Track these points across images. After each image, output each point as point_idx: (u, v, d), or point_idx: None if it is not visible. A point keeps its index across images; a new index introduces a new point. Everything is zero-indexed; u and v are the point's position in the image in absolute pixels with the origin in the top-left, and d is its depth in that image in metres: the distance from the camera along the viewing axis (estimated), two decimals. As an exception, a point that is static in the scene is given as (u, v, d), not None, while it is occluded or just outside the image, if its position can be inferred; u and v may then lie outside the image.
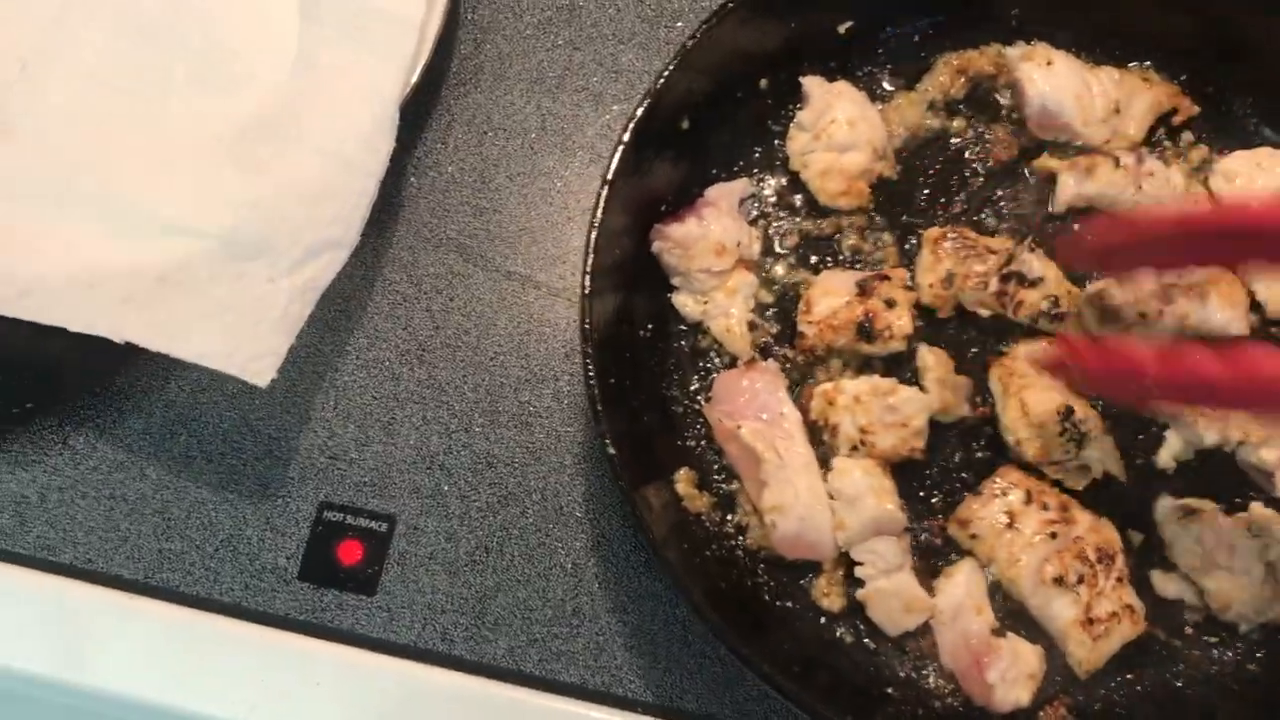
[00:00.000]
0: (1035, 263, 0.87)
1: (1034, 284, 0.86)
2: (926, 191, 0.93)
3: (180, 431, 0.91)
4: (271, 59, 0.94)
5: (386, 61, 0.93)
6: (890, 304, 0.87)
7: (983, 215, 0.92)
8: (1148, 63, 0.95)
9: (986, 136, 0.94)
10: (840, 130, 0.91)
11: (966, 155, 0.94)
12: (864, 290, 0.87)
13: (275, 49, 0.95)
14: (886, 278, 0.88)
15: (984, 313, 0.88)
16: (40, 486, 0.90)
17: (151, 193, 0.90)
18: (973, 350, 0.89)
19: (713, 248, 0.89)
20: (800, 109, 0.93)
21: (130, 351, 0.85)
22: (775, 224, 0.93)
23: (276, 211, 0.88)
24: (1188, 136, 0.94)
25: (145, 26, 0.96)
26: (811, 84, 0.93)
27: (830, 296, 0.88)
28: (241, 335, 0.84)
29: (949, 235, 0.88)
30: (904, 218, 0.93)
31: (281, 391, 0.91)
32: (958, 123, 0.94)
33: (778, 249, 0.93)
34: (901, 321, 0.86)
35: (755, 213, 0.93)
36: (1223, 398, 0.68)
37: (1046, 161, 0.92)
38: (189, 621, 0.87)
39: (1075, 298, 0.87)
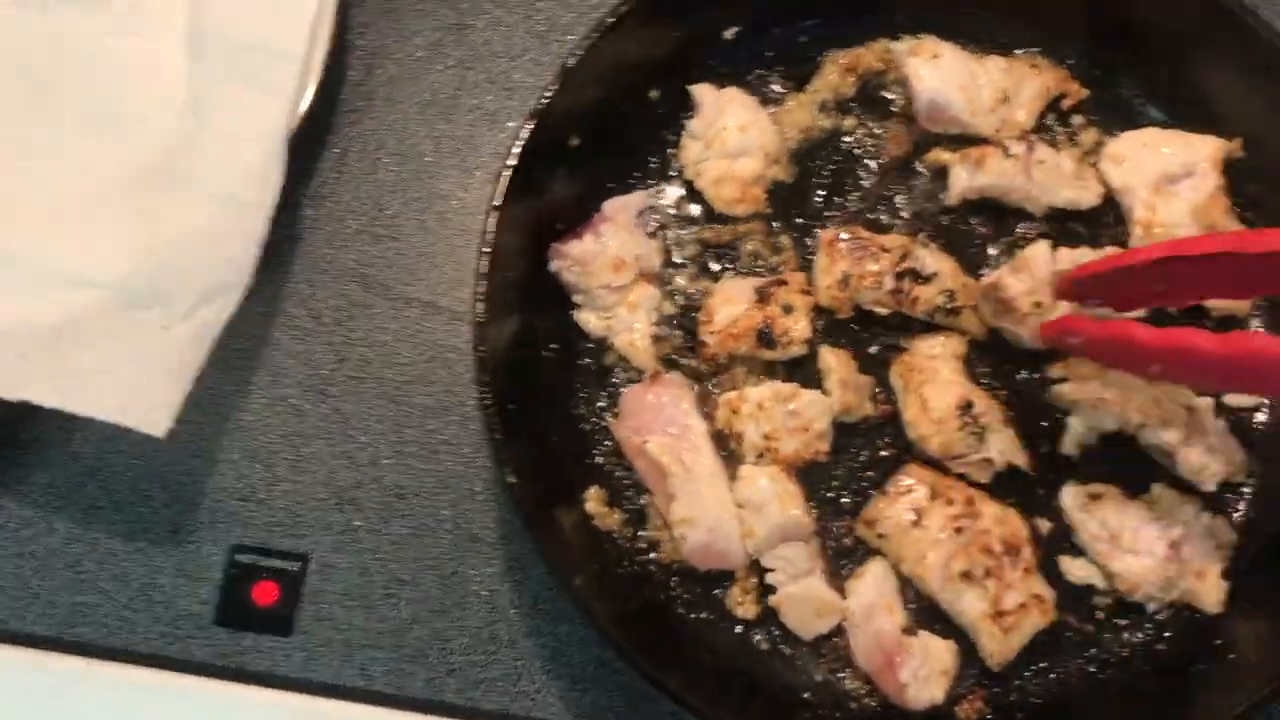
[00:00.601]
0: (929, 258, 0.87)
1: (929, 279, 0.87)
2: (822, 193, 0.93)
3: (87, 483, 0.91)
4: (157, 103, 0.93)
5: (272, 97, 0.93)
6: (788, 309, 0.87)
7: (879, 213, 0.93)
8: (1035, 49, 0.95)
9: (879, 133, 0.95)
10: (732, 137, 0.91)
11: (860, 154, 0.94)
12: (762, 297, 0.88)
13: (161, 94, 0.94)
14: (784, 283, 0.88)
15: (882, 311, 0.89)
16: (-53, 548, 0.90)
17: (44, 244, 0.89)
18: (874, 349, 0.89)
19: (611, 263, 0.89)
20: (691, 118, 0.93)
21: (32, 407, 0.84)
22: (674, 234, 0.93)
23: (169, 257, 0.88)
24: (1078, 120, 0.94)
25: (31, 72, 0.95)
26: (701, 92, 0.93)
27: (730, 305, 0.89)
28: (137, 387, 0.84)
29: (843, 236, 0.89)
30: (801, 220, 0.93)
31: (187, 436, 0.91)
32: (849, 121, 0.95)
33: (678, 259, 0.93)
34: (800, 326, 0.87)
35: (653, 225, 0.93)
36: (1217, 373, 0.73)
37: (938, 155, 0.93)
38: (107, 675, 0.87)
39: (971, 291, 0.88)
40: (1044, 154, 0.90)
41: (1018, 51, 0.95)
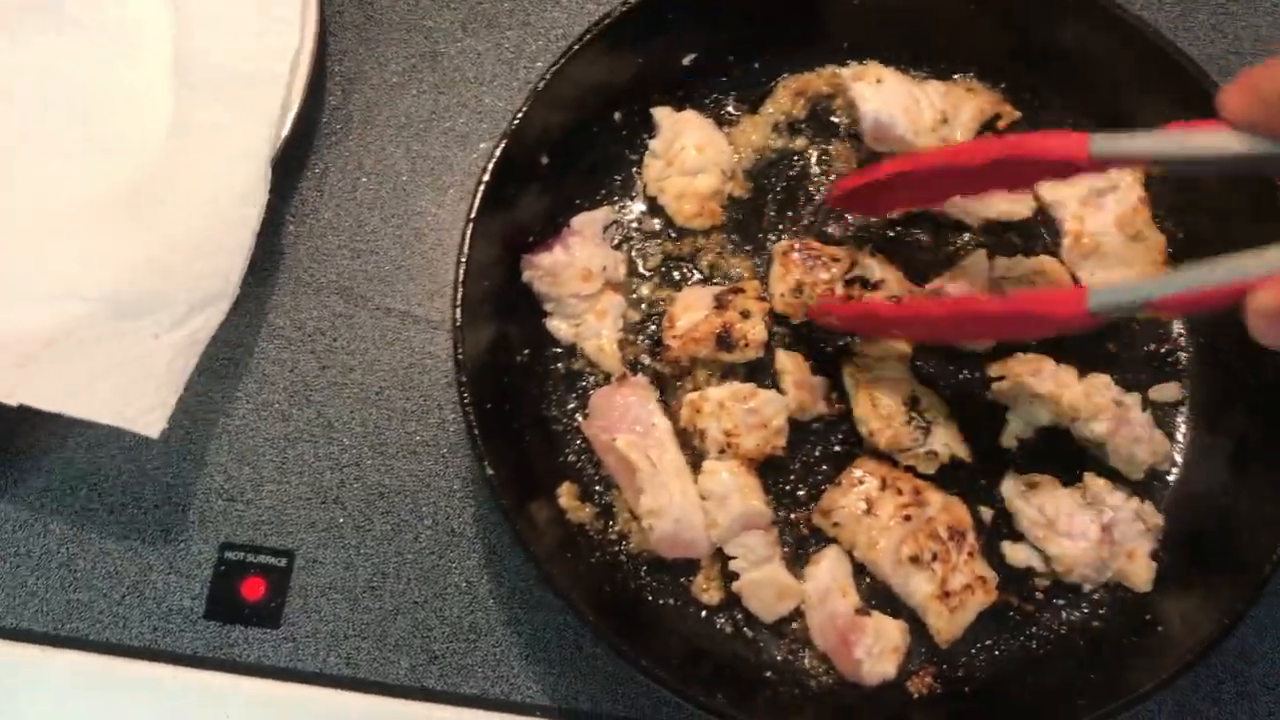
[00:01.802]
0: (876, 267, 0.94)
1: (876, 286, 0.93)
2: (775, 208, 0.99)
3: (80, 486, 0.95)
4: (144, 126, 0.98)
5: (257, 119, 0.97)
6: (746, 315, 0.93)
7: (828, 227, 0.99)
8: (970, 74, 1.02)
9: (829, 152, 1.01)
10: (690, 156, 0.97)
11: (810, 171, 1.00)
12: (721, 304, 0.94)
13: (148, 117, 0.99)
14: (741, 290, 0.94)
15: None
16: (-55, 551, 0.93)
17: (35, 260, 0.94)
18: (826, 349, 0.95)
19: (579, 273, 0.94)
20: (652, 138, 0.99)
21: (27, 414, 0.88)
22: (638, 247, 0.99)
23: (159, 271, 0.92)
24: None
25: (24, 95, 1.00)
26: (661, 114, 0.99)
27: (691, 311, 0.94)
28: (131, 391, 0.88)
29: (796, 247, 0.95)
30: (756, 234, 0.99)
31: (177, 440, 0.95)
32: (800, 141, 1.01)
33: (642, 270, 0.98)
34: (756, 330, 0.93)
35: (619, 238, 0.99)
36: (946, 330, 0.86)
37: None
38: (101, 668, 0.91)
39: (915, 297, 0.94)
40: (980, 170, 0.97)
41: (955, 76, 1.02)
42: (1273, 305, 0.57)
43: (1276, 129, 0.62)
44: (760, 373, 0.94)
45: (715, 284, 0.97)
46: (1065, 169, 0.77)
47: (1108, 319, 0.79)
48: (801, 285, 0.94)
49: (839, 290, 0.93)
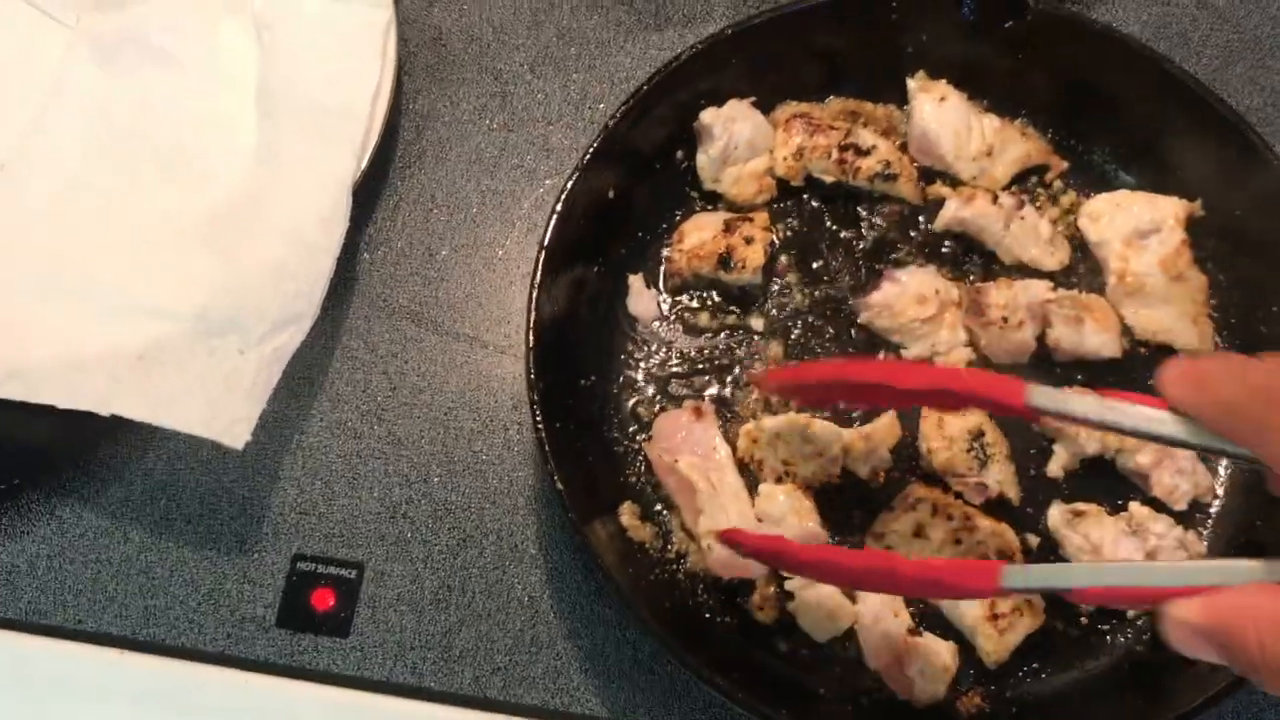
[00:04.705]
0: (868, 137, 1.02)
1: (868, 152, 1.01)
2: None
3: (160, 497, 0.99)
4: (232, 155, 1.03)
5: (338, 151, 1.02)
6: (748, 240, 0.99)
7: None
8: (1023, 116, 1.07)
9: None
10: (742, 152, 1.03)
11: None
12: (728, 228, 1.00)
13: (235, 146, 1.04)
14: (750, 219, 1.01)
15: (828, 179, 1.02)
16: (29, 556, 0.97)
17: (129, 280, 0.98)
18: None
19: (914, 300, 0.98)
20: (703, 148, 1.03)
21: (110, 426, 0.92)
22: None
23: (244, 291, 0.96)
24: (1058, 184, 1.05)
25: (115, 130, 1.05)
26: (708, 116, 1.02)
27: (700, 231, 1.01)
28: (217, 404, 0.92)
29: (798, 115, 1.03)
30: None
31: (252, 455, 0.99)
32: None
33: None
34: (756, 255, 0.99)
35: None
36: (855, 580, 0.82)
37: (938, 189, 1.04)
38: (176, 672, 0.94)
39: (905, 163, 1.03)
40: (1028, 214, 1.01)
41: (1009, 118, 1.06)
42: (1187, 618, 0.58)
43: (1227, 430, 0.60)
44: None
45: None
46: (1001, 409, 0.78)
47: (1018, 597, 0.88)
48: (802, 150, 1.02)
49: (834, 155, 1.01)
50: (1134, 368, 0.99)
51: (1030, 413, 0.72)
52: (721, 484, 0.94)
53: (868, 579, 0.80)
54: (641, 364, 1.01)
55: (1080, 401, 0.69)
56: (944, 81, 1.05)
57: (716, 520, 0.92)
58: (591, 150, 0.96)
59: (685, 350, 1.01)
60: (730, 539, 0.86)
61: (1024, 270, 1.01)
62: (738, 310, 1.02)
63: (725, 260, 0.99)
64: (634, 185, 1.02)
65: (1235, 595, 0.57)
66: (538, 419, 0.89)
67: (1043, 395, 0.71)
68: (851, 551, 0.89)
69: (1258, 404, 0.58)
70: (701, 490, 0.93)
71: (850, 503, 0.96)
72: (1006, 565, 0.70)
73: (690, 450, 0.95)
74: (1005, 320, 0.96)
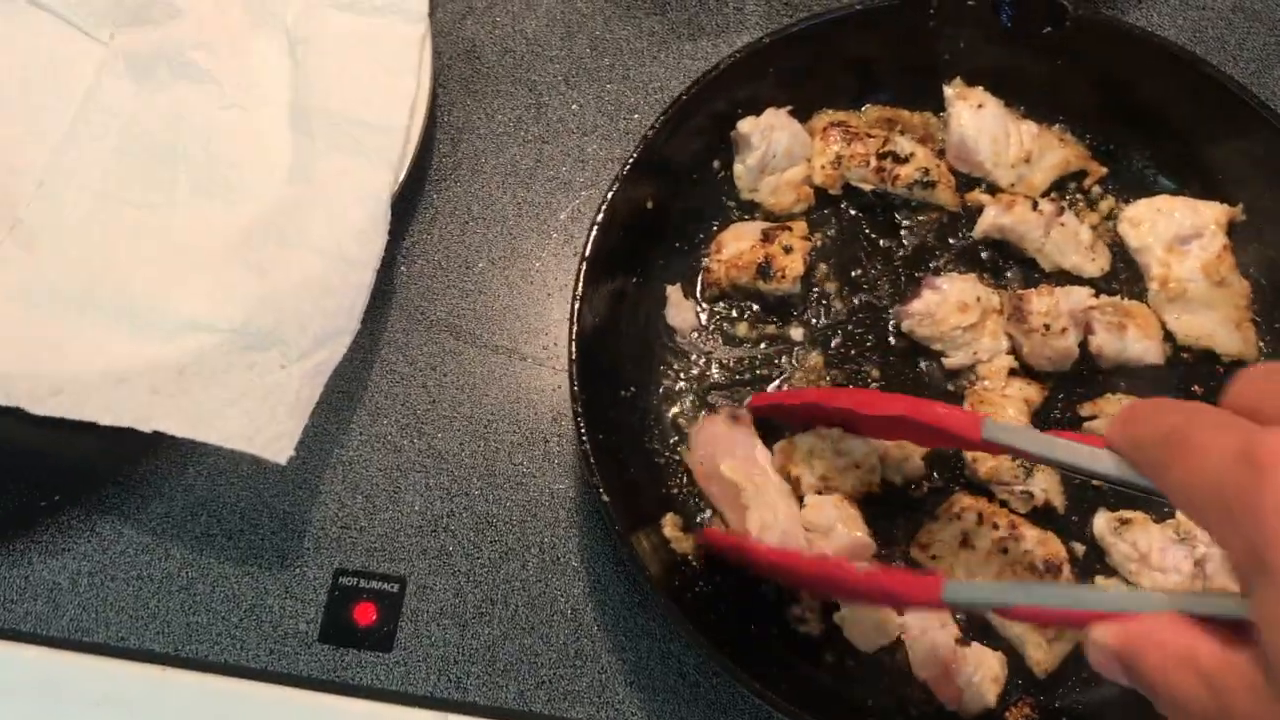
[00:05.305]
0: (906, 144, 1.01)
1: (906, 159, 1.01)
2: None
3: (200, 513, 0.98)
4: (268, 170, 1.03)
5: (376, 165, 1.02)
6: (788, 250, 0.99)
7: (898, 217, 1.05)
8: (1060, 122, 1.06)
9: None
10: (780, 161, 1.03)
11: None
12: (767, 237, 1.00)
13: (271, 161, 1.04)
14: (789, 229, 1.01)
15: (866, 187, 1.02)
16: (71, 572, 0.97)
17: (167, 295, 0.98)
18: (949, 387, 0.99)
19: (955, 308, 0.98)
20: (740, 158, 1.04)
21: (150, 442, 0.92)
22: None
23: (284, 306, 0.96)
24: (1097, 189, 1.05)
25: (150, 146, 1.05)
26: (745, 126, 1.02)
27: (738, 241, 1.01)
28: (260, 418, 0.92)
29: (835, 123, 1.03)
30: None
31: (292, 470, 0.98)
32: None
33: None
34: (795, 265, 0.98)
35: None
36: (811, 583, 0.87)
37: (977, 196, 1.03)
38: (219, 688, 0.93)
39: (943, 170, 1.02)
40: (1068, 220, 1.01)
41: (1054, 126, 1.06)
42: (1108, 643, 0.59)
43: (1140, 468, 0.62)
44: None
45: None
46: (959, 442, 0.82)
47: (957, 611, 0.90)
48: (840, 157, 1.02)
49: (872, 163, 1.00)
50: (1177, 374, 0.98)
51: (985, 446, 0.78)
52: (765, 484, 0.93)
53: (821, 584, 0.84)
54: (681, 375, 1.00)
55: (1031, 439, 0.75)
56: (981, 88, 1.04)
57: (764, 516, 0.91)
58: (631, 161, 0.96)
59: (725, 360, 1.01)
60: (703, 539, 0.91)
61: (1064, 277, 1.01)
62: (777, 320, 1.02)
63: (764, 270, 0.99)
64: (672, 195, 1.02)
65: (1148, 623, 0.58)
66: (581, 431, 0.88)
67: (997, 430, 0.77)
68: (809, 556, 0.89)
69: (1159, 445, 0.59)
70: (746, 489, 0.92)
71: (894, 512, 0.95)
72: (948, 580, 0.73)
73: (730, 454, 0.95)
74: (1047, 327, 0.95)
